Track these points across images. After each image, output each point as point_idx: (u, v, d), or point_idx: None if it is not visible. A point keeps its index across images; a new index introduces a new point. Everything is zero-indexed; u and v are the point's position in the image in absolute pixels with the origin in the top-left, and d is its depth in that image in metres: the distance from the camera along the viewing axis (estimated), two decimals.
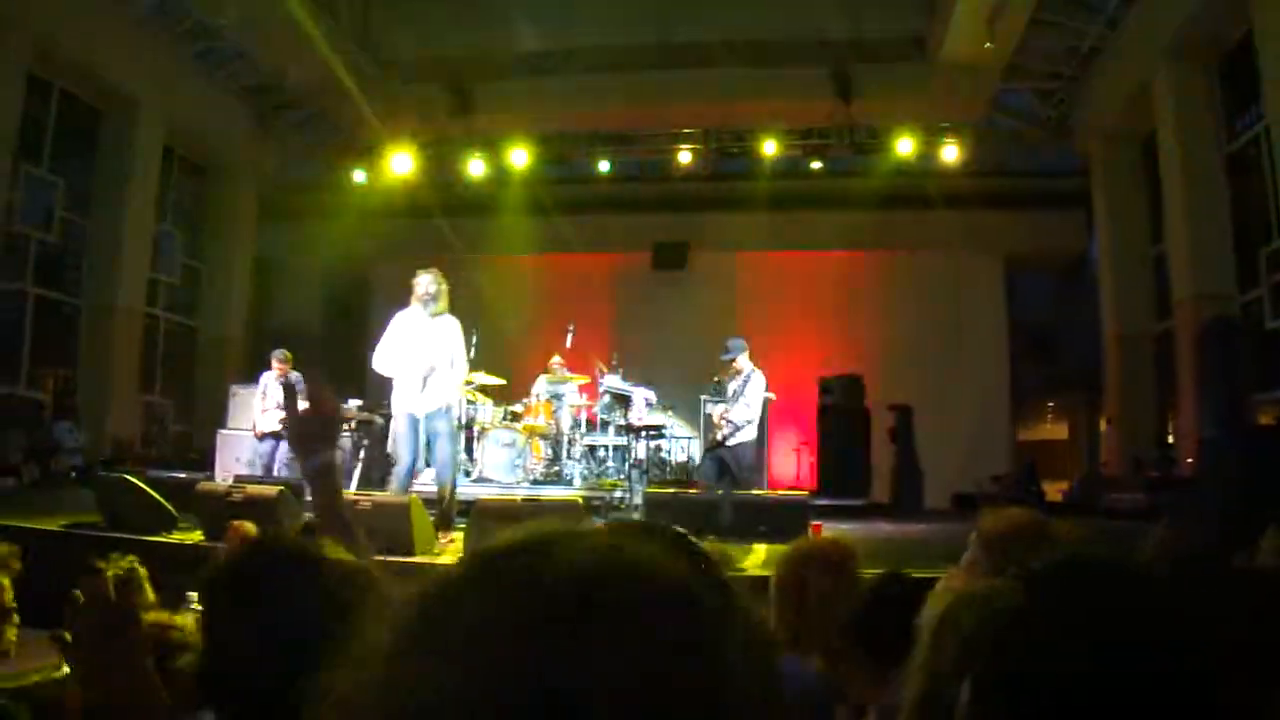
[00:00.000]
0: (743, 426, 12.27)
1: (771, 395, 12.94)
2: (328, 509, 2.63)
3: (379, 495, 9.36)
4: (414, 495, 9.24)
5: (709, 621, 0.80)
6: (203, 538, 8.89)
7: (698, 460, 16.17)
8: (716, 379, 15.32)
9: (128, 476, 9.87)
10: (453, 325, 10.20)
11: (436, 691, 0.75)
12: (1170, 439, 17.41)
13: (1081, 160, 20.11)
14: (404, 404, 9.94)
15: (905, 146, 19.14)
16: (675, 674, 0.75)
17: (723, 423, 12.46)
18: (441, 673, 0.76)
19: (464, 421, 14.88)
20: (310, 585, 1.81)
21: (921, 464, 17.56)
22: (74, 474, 15.58)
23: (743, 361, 12.53)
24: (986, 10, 15.95)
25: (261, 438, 13.77)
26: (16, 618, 3.31)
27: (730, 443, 12.30)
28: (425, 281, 10.09)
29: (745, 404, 12.28)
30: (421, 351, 9.95)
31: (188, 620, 3.03)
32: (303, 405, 2.91)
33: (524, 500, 9.83)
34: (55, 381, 18.11)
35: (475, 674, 0.74)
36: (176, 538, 9.07)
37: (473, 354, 12.81)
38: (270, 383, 13.84)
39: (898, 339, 20.50)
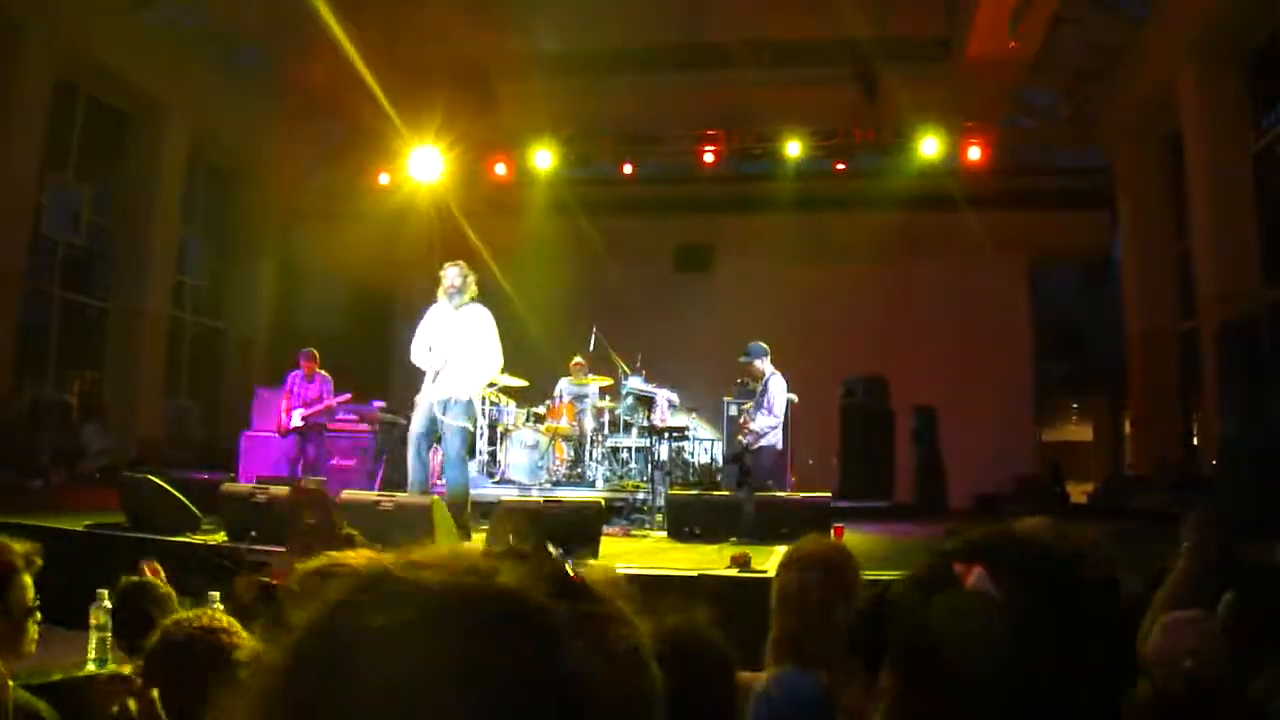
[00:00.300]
0: (766, 433, 12.31)
1: (794, 397, 12.93)
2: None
3: (401, 496, 9.40)
4: (436, 496, 9.34)
5: (560, 641, 0.85)
6: (226, 539, 8.94)
7: (720, 462, 16.20)
8: (740, 380, 15.40)
9: (152, 477, 9.92)
10: (478, 315, 10.45)
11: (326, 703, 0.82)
12: (1195, 439, 17.33)
13: (1106, 158, 20.00)
14: (425, 393, 10.29)
15: (929, 147, 19.09)
16: (529, 687, 0.81)
17: (746, 429, 12.52)
18: (329, 690, 0.82)
19: (487, 423, 14.99)
20: None
21: (945, 465, 17.55)
22: (100, 475, 15.67)
23: (762, 365, 12.54)
24: (1009, 9, 15.91)
25: (285, 434, 13.90)
26: (39, 615, 3.33)
27: (754, 447, 12.35)
28: (451, 274, 10.42)
29: (766, 410, 12.31)
30: (446, 342, 10.27)
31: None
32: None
33: (546, 501, 9.86)
34: (82, 384, 18.25)
35: (362, 688, 0.81)
36: (200, 538, 9.12)
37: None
38: (297, 382, 14.03)
39: (921, 339, 20.38)
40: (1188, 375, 17.64)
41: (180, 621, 3.01)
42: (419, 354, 10.45)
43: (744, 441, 12.71)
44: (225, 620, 2.99)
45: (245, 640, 2.80)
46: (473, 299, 10.48)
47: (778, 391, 12.41)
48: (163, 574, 5.00)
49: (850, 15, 18.00)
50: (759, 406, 12.49)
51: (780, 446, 12.71)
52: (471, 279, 10.52)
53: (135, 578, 4.72)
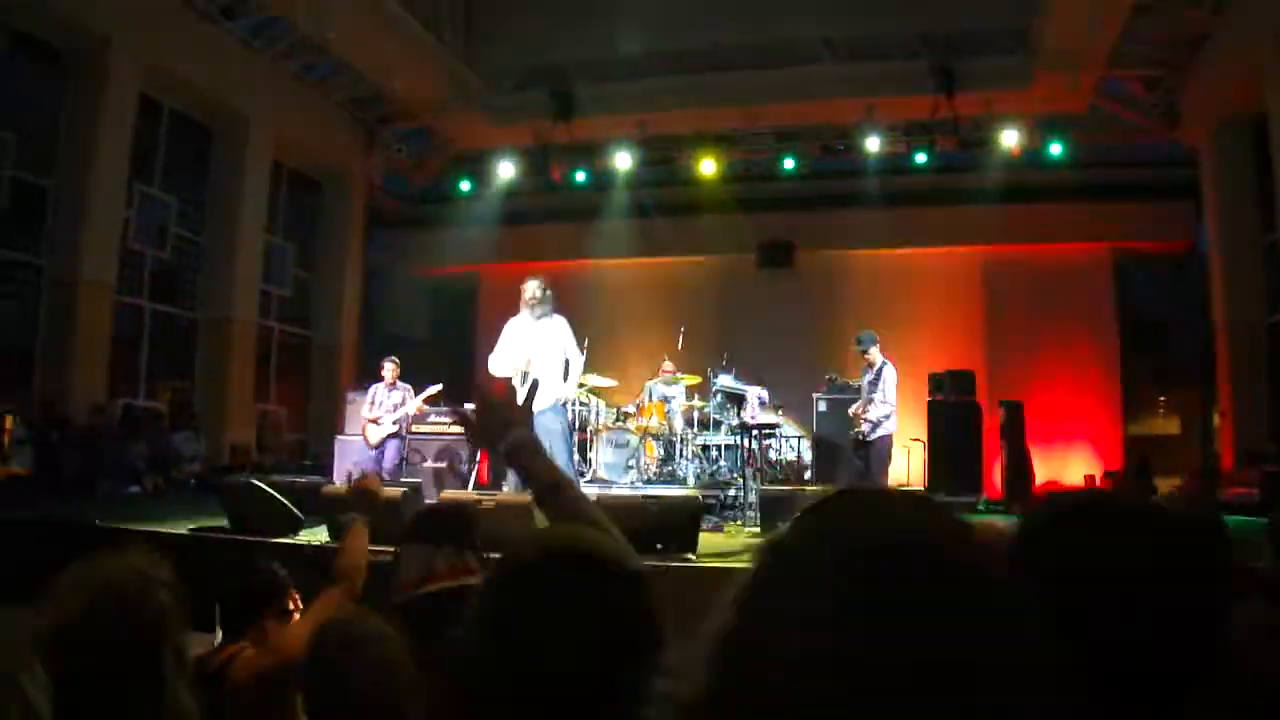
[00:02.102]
0: (882, 421, 12.43)
1: None
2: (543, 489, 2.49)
3: (501, 495, 9.50)
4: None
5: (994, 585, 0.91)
6: (329, 539, 9.08)
7: (809, 459, 16.24)
8: (829, 377, 15.43)
9: (255, 482, 10.10)
10: (560, 326, 11.18)
11: (782, 644, 0.85)
12: None
13: (1191, 148, 19.69)
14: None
15: (1010, 139, 18.95)
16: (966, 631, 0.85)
17: (862, 421, 12.60)
18: (783, 629, 0.86)
19: (578, 423, 15.12)
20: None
21: (1033, 460, 17.40)
22: (194, 481, 15.95)
23: (874, 354, 12.70)
24: None
25: (378, 446, 13.99)
26: None
27: (871, 437, 12.47)
28: (531, 288, 11.17)
29: (882, 398, 12.44)
30: (532, 354, 10.88)
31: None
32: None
33: (645, 498, 9.92)
34: (173, 393, 18.52)
35: (815, 630, 0.84)
36: (304, 539, 9.28)
37: (584, 355, 13.01)
38: (379, 390, 14.13)
39: (1007, 334, 20.25)
40: (1277, 367, 17.35)
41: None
42: (499, 364, 11.10)
43: (859, 434, 12.79)
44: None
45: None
46: (550, 309, 11.15)
47: (890, 379, 12.56)
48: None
49: (926, 8, 17.94)
50: (872, 394, 12.61)
51: (895, 433, 12.87)
52: (550, 292, 11.19)
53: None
